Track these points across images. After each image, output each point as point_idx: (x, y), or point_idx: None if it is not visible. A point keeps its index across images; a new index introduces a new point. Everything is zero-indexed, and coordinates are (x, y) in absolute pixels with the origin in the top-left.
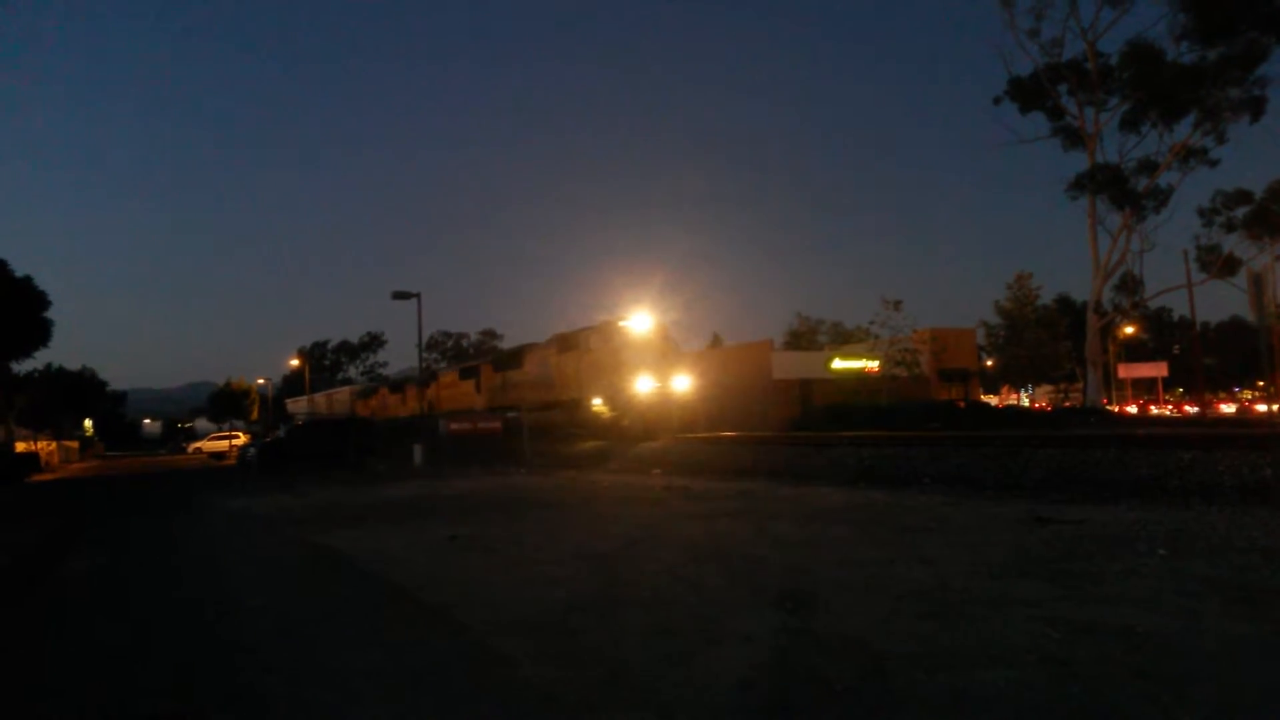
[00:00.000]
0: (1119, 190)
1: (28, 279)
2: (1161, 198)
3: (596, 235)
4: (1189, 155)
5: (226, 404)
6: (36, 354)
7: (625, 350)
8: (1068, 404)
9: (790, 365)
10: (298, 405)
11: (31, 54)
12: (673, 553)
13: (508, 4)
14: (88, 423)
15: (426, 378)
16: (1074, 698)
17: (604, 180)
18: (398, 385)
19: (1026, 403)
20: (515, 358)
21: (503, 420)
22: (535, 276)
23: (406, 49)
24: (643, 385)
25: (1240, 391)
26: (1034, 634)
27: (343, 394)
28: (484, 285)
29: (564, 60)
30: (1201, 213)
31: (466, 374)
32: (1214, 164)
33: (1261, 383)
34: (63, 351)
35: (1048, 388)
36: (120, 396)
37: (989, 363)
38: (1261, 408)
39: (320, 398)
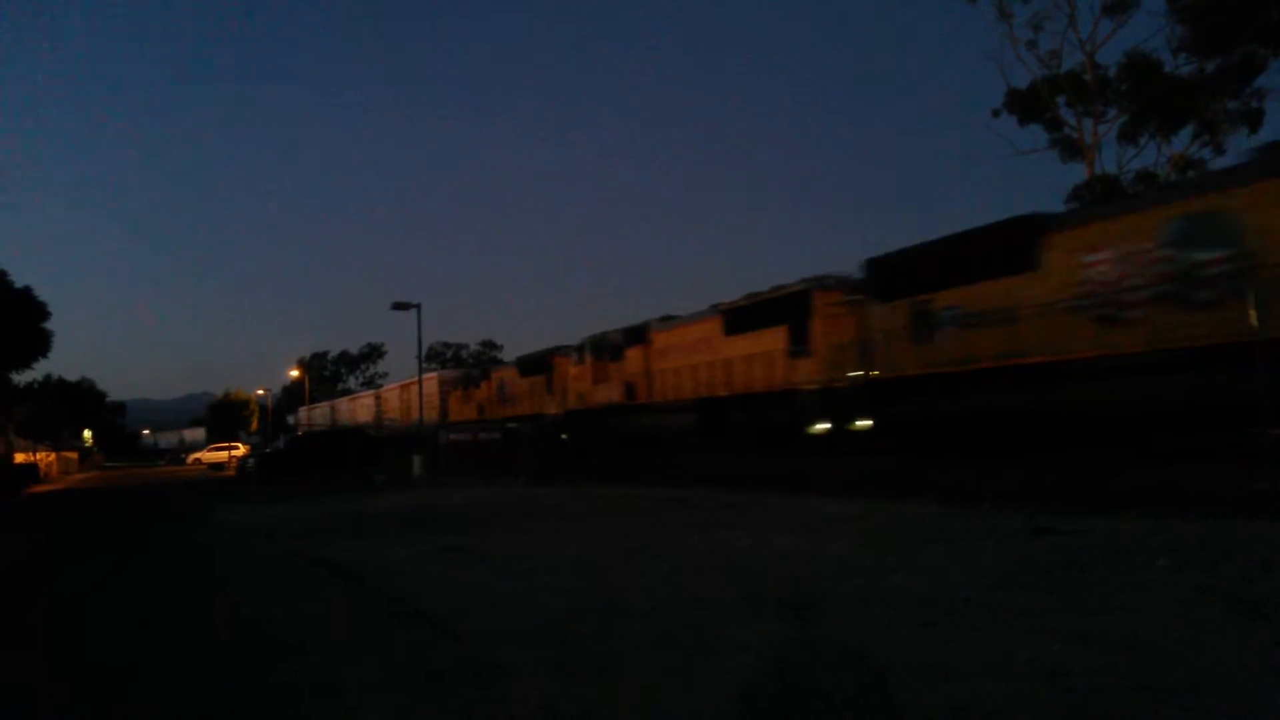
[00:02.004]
0: None
1: (27, 289)
2: None
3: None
4: (1187, 167)
5: (226, 415)
6: (36, 365)
7: None
8: None
9: None
10: (315, 412)
11: (32, 60)
12: (670, 563)
13: (509, 11)
14: (87, 433)
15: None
16: (1074, 709)
17: (604, 187)
18: (538, 363)
19: None
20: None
21: (501, 430)
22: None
23: (404, 57)
24: None
25: None
26: (1034, 645)
27: (428, 384)
28: (483, 296)
29: (566, 72)
30: None
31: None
32: None
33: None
34: (62, 362)
35: None
36: (119, 407)
37: None
38: None
39: (366, 398)
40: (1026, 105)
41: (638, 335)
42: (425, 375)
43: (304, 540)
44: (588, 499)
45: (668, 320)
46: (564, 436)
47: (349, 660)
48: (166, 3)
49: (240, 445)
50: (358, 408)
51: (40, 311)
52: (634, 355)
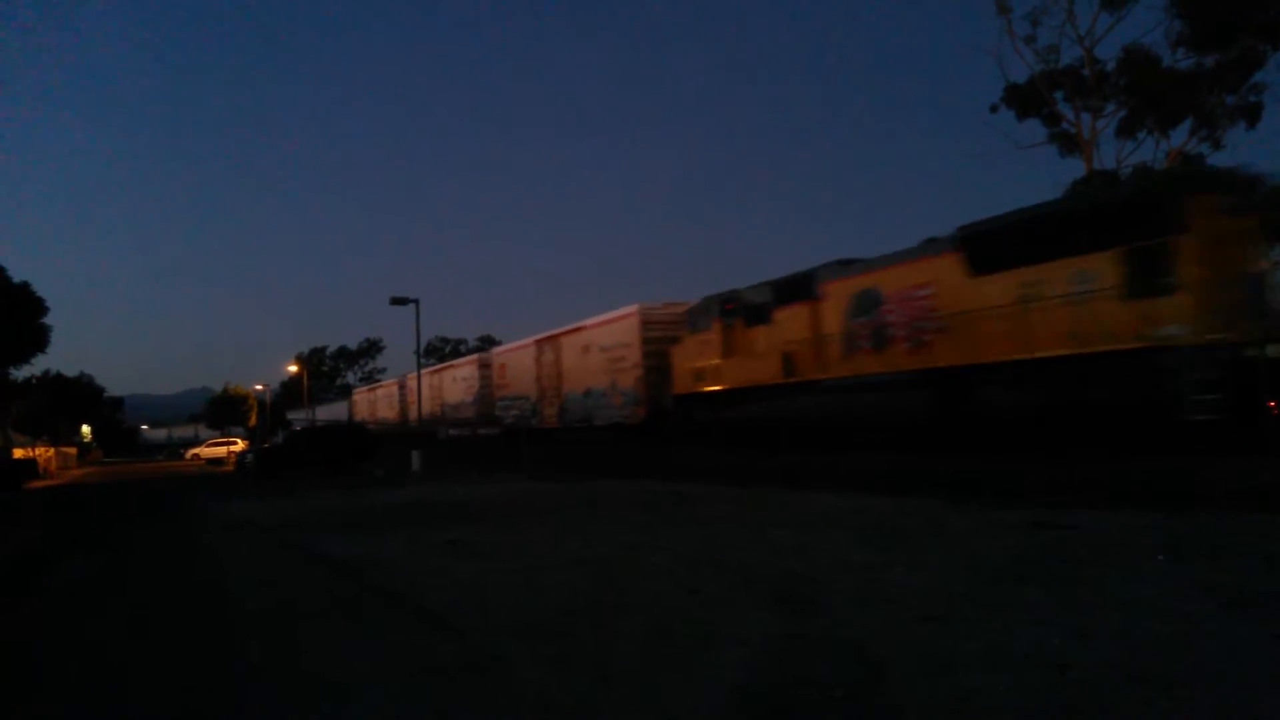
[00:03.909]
0: None
1: (25, 285)
2: None
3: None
4: (1185, 161)
5: (225, 410)
6: (34, 360)
7: None
8: None
9: None
10: (376, 391)
11: (30, 60)
12: (669, 557)
13: (507, 9)
14: (86, 429)
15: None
16: (1072, 702)
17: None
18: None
19: None
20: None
21: (501, 426)
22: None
23: (401, 52)
24: None
25: None
26: (1033, 639)
27: (621, 327)
28: (481, 290)
29: (565, 66)
30: None
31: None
32: None
33: None
34: (60, 358)
35: None
36: (118, 402)
37: None
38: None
39: (465, 366)
40: (1025, 100)
41: (797, 289)
42: (621, 311)
43: (303, 534)
44: (588, 493)
45: (850, 265)
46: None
47: (347, 654)
48: None
49: (238, 440)
50: (445, 383)
51: (38, 307)
52: (791, 317)
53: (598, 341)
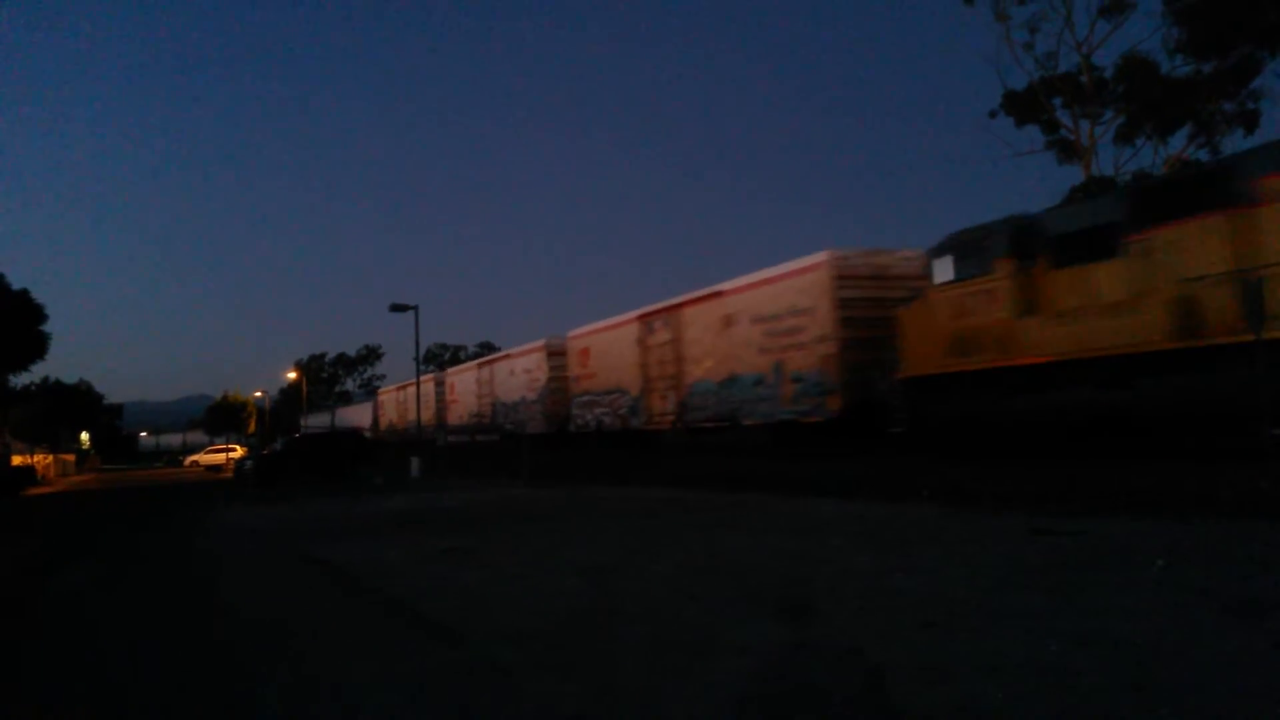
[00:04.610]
0: None
1: (25, 292)
2: None
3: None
4: (1184, 168)
5: (223, 417)
6: (33, 367)
7: None
8: None
9: None
10: (406, 390)
11: (28, 62)
12: (670, 565)
13: (508, 13)
14: (84, 436)
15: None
16: (1071, 710)
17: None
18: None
19: None
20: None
21: (499, 432)
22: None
23: (400, 59)
24: None
25: None
26: (1032, 645)
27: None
28: (481, 298)
29: (566, 72)
30: None
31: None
32: None
33: None
34: (60, 364)
35: None
36: (117, 409)
37: None
38: None
39: (531, 356)
40: (1023, 107)
41: (1197, 193)
42: (797, 264)
43: (301, 541)
44: (587, 500)
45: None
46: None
47: (346, 661)
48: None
49: (237, 447)
50: (499, 377)
51: (38, 314)
52: (1188, 238)
53: (751, 310)
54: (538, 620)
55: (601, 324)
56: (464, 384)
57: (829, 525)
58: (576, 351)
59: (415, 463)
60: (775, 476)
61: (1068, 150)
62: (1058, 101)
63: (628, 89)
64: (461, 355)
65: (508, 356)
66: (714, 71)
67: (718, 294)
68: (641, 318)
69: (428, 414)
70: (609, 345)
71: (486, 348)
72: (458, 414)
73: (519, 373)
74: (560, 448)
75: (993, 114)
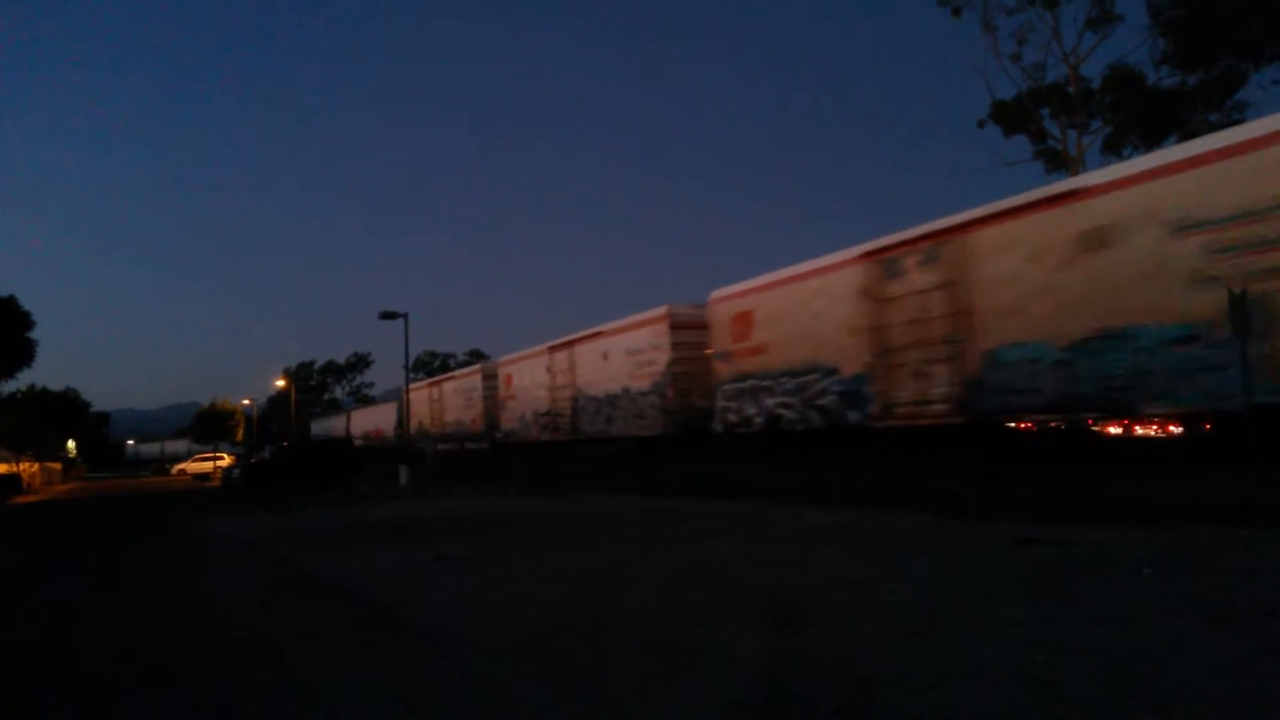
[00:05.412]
0: None
1: (11, 299)
2: None
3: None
4: None
5: (211, 425)
6: (19, 375)
7: None
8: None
9: None
10: (442, 386)
11: (16, 71)
12: (659, 573)
13: (507, 14)
14: (71, 444)
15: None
16: (1058, 718)
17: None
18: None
19: None
20: None
21: (490, 439)
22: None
23: (393, 65)
24: None
25: None
26: (1020, 654)
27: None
28: (470, 306)
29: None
30: None
31: None
32: None
33: None
34: (46, 372)
35: None
36: (104, 417)
37: None
38: None
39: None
40: (1011, 117)
41: None
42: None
43: (288, 550)
44: (576, 508)
45: None
46: None
47: (334, 671)
48: (157, 11)
49: (225, 455)
50: (586, 359)
51: (24, 321)
52: None
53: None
54: (526, 629)
55: (777, 275)
56: (528, 375)
57: (819, 533)
58: (728, 318)
59: (404, 471)
60: (766, 485)
61: (1055, 160)
62: (1045, 111)
63: (619, 97)
64: (451, 363)
65: (598, 335)
66: (704, 82)
67: (994, 217)
68: (869, 255)
69: (472, 414)
70: (797, 303)
71: (476, 355)
72: (516, 414)
73: (619, 355)
74: (693, 458)
75: (981, 123)
